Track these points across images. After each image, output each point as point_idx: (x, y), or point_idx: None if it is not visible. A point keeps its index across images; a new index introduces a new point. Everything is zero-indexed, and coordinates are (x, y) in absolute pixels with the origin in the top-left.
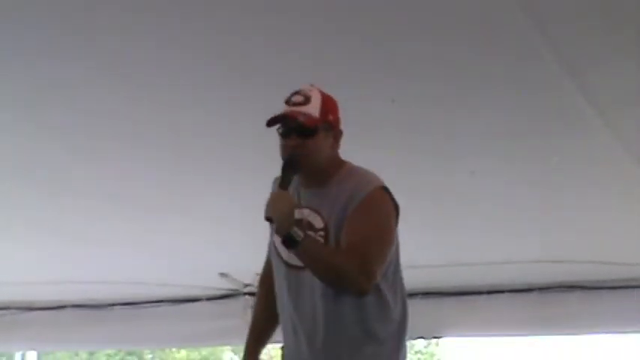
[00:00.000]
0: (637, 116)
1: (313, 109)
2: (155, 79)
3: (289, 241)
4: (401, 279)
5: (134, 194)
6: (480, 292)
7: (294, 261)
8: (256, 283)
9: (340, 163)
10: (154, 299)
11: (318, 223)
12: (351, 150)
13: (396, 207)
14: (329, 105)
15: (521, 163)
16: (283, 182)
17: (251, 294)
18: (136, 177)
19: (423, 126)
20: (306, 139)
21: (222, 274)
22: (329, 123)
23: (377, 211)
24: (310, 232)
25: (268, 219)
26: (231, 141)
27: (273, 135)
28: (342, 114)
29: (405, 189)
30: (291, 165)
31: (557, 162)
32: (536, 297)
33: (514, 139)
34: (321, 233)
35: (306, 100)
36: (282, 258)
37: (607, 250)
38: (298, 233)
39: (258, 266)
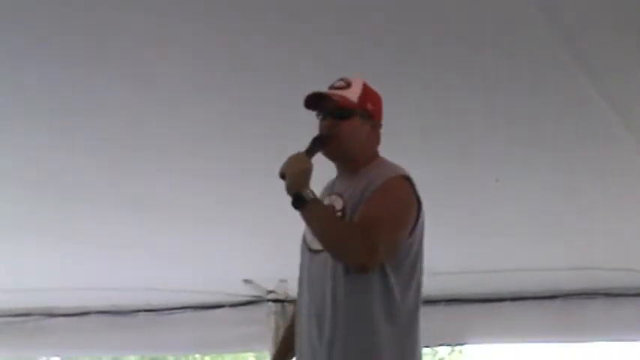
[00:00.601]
0: None
1: (352, 94)
2: (173, 81)
3: (298, 201)
4: (418, 280)
5: (159, 201)
6: (503, 299)
7: (316, 245)
8: (279, 290)
9: (374, 156)
10: (178, 306)
11: (339, 204)
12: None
13: (418, 200)
14: (370, 95)
15: (545, 170)
16: (308, 150)
17: (274, 300)
18: (161, 184)
19: (448, 133)
20: (341, 121)
21: (246, 281)
22: (367, 111)
23: (391, 195)
24: None
25: (282, 176)
26: (256, 148)
27: (299, 143)
28: None
29: (430, 195)
30: (320, 141)
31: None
32: (560, 304)
33: (538, 147)
34: (339, 214)
35: (347, 85)
36: (306, 243)
37: (631, 258)
38: (308, 194)
39: (282, 273)
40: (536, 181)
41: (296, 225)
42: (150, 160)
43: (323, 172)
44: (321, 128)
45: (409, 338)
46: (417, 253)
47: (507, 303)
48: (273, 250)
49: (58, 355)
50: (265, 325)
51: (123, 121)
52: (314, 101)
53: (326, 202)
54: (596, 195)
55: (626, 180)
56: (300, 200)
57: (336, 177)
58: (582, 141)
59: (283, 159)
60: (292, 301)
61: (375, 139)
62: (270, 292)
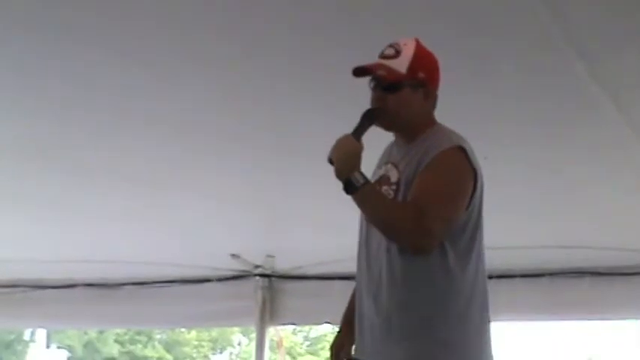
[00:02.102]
0: None
1: (400, 63)
2: (158, 53)
3: (348, 186)
4: (478, 250)
5: (147, 173)
6: (490, 277)
7: None
8: (267, 265)
9: (430, 123)
10: (165, 279)
11: (394, 176)
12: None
13: (475, 170)
14: (421, 61)
15: (533, 148)
16: (356, 130)
17: (262, 275)
18: (150, 156)
19: (437, 111)
20: (389, 94)
21: (234, 255)
22: (417, 80)
23: (445, 169)
24: (385, 187)
25: (330, 161)
26: (246, 121)
27: (290, 117)
28: None
29: None
30: (368, 116)
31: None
32: (546, 282)
33: (527, 124)
34: (394, 187)
35: (397, 53)
36: (364, 219)
37: (618, 236)
38: (358, 179)
39: (269, 248)
40: (525, 158)
41: (284, 200)
42: (137, 133)
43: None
44: (371, 101)
45: (470, 308)
46: (475, 223)
47: (494, 280)
48: (261, 225)
49: (44, 327)
50: (252, 299)
51: (109, 93)
52: (358, 71)
53: (382, 171)
54: (585, 173)
55: (614, 158)
56: (351, 186)
57: (394, 142)
58: (570, 118)
59: (273, 131)
60: (280, 277)
61: (430, 106)
62: (258, 266)
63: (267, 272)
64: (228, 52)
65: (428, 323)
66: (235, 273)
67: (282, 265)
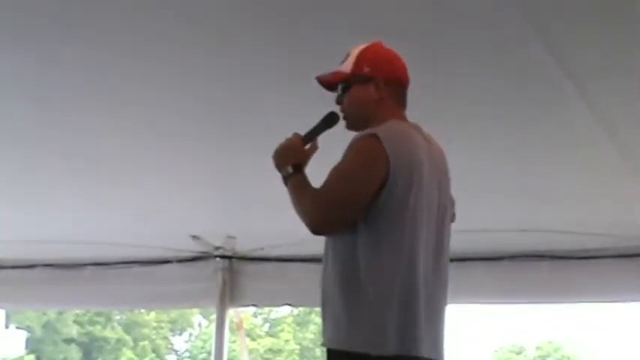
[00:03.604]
0: (610, 87)
1: (347, 65)
2: (124, 37)
3: (283, 179)
4: (408, 238)
5: (107, 154)
6: (450, 260)
7: None
8: (227, 246)
9: (385, 118)
10: (125, 260)
11: None
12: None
13: (388, 156)
14: (366, 57)
15: (495, 132)
16: (310, 131)
17: (222, 257)
18: (108, 136)
19: None
20: (343, 96)
21: (194, 237)
22: (363, 75)
23: (347, 154)
24: None
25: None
26: (207, 102)
27: (246, 98)
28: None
29: None
30: (326, 119)
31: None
32: (506, 265)
33: (490, 109)
34: None
35: (345, 57)
36: None
37: (577, 220)
38: (286, 170)
39: (229, 229)
40: (486, 143)
41: (245, 181)
42: (98, 113)
43: None
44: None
45: (383, 291)
46: (398, 209)
47: (455, 264)
48: (221, 206)
49: (3, 308)
50: (212, 281)
51: (71, 75)
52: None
53: None
54: (545, 158)
55: (574, 143)
56: (283, 177)
57: None
58: (532, 103)
59: (234, 111)
60: (240, 258)
61: (386, 97)
62: (218, 248)
63: (228, 254)
64: (189, 36)
65: (332, 300)
66: (196, 254)
67: (243, 247)
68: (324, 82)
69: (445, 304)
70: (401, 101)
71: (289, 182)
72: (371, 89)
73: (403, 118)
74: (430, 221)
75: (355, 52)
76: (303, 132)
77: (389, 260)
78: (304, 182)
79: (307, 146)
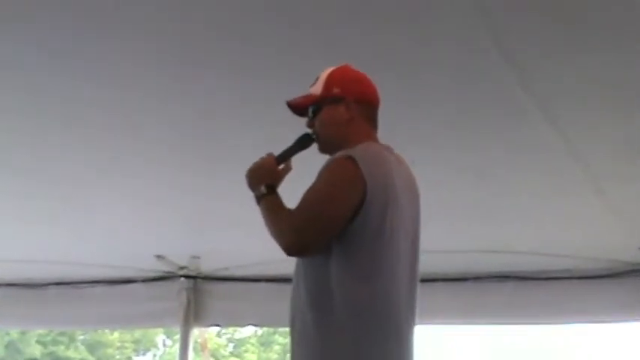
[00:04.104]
0: (575, 108)
1: (317, 88)
2: (92, 59)
3: (255, 198)
4: (385, 263)
5: (71, 173)
6: None
7: None
8: (192, 266)
9: (358, 142)
10: (89, 280)
11: None
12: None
13: (365, 180)
14: (336, 78)
15: (460, 152)
16: (284, 152)
17: (186, 277)
18: (74, 157)
19: None
20: (314, 119)
21: (159, 257)
22: (333, 95)
23: (322, 176)
24: None
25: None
26: (170, 124)
27: (210, 120)
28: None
29: None
30: (299, 140)
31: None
32: (470, 286)
33: (454, 129)
34: None
35: (315, 80)
36: None
37: (541, 241)
38: (260, 191)
39: (194, 249)
40: (450, 163)
41: (209, 201)
42: (61, 133)
43: None
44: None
45: (358, 324)
46: (374, 234)
47: (419, 285)
48: (186, 226)
49: None
50: (177, 301)
51: (35, 96)
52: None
53: None
54: (509, 179)
55: (539, 165)
56: (256, 197)
57: None
58: (496, 124)
59: (197, 132)
60: (205, 278)
61: (359, 117)
62: (183, 267)
63: (192, 273)
64: (156, 56)
65: (302, 323)
66: (160, 274)
67: (208, 267)
68: (295, 105)
69: (414, 326)
70: (372, 121)
71: (262, 202)
72: (341, 109)
73: (375, 139)
74: (406, 244)
75: (324, 74)
76: (276, 152)
77: (364, 285)
78: (278, 203)
79: (281, 166)
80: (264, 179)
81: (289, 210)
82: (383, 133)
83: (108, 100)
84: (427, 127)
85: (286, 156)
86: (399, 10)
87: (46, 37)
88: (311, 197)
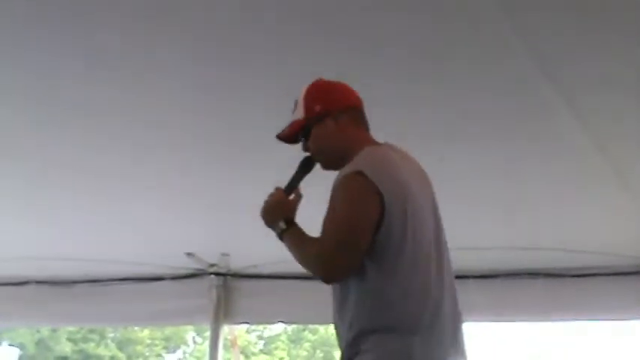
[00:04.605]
0: (601, 101)
1: (299, 111)
2: (106, 45)
3: (277, 235)
4: (411, 264)
5: (101, 171)
6: None
7: None
8: (222, 264)
9: (359, 146)
10: (119, 277)
11: None
12: None
13: (380, 191)
14: (313, 95)
15: (488, 151)
16: (290, 182)
17: (216, 274)
18: (102, 152)
19: (392, 112)
20: (307, 142)
21: (188, 254)
22: (317, 113)
23: (339, 197)
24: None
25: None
26: (199, 121)
27: (240, 116)
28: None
29: None
30: (302, 165)
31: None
32: (500, 283)
33: (480, 125)
34: None
35: (295, 105)
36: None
37: (571, 238)
38: (280, 226)
39: (224, 247)
40: (479, 160)
41: (239, 198)
42: (92, 126)
43: None
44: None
45: (402, 321)
46: (400, 240)
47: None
48: (216, 223)
49: None
50: (206, 298)
51: (71, 89)
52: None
53: None
54: (538, 175)
55: (567, 161)
56: (277, 234)
57: None
58: (525, 122)
59: (226, 127)
60: (234, 275)
61: (350, 126)
62: (213, 265)
63: (222, 271)
64: (184, 47)
65: (362, 340)
66: (190, 271)
67: (237, 264)
68: (285, 137)
69: (457, 311)
70: (362, 123)
71: (285, 237)
72: (330, 124)
73: (372, 141)
74: (429, 235)
75: (301, 97)
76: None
77: (402, 287)
78: (301, 235)
79: (291, 197)
80: (280, 215)
81: (314, 239)
82: (414, 130)
83: (135, 93)
84: (453, 124)
85: (293, 185)
86: (423, 5)
87: (52, 30)
88: (333, 222)
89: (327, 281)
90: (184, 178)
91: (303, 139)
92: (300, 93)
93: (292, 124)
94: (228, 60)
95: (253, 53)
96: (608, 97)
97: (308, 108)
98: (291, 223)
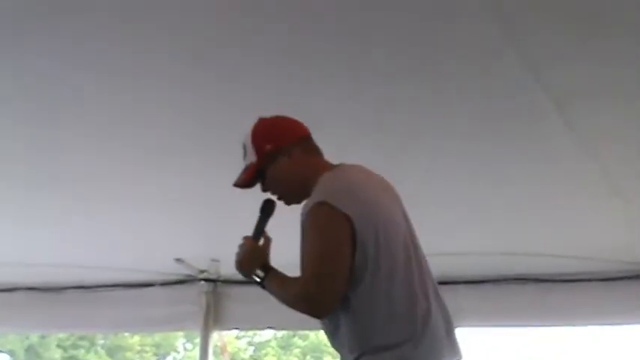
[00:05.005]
0: (592, 109)
1: (250, 155)
2: (99, 57)
3: (257, 284)
4: (383, 284)
5: (89, 177)
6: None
7: None
8: (211, 270)
9: (317, 174)
10: (108, 283)
11: None
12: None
13: (346, 214)
14: (259, 137)
15: (478, 155)
16: (255, 230)
17: (206, 280)
18: (93, 158)
19: (379, 124)
20: (264, 183)
21: (178, 260)
22: (267, 153)
23: (310, 232)
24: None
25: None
26: (185, 127)
27: (226, 124)
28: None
29: None
30: (263, 209)
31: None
32: (490, 289)
33: (471, 133)
34: None
35: (244, 150)
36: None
37: (561, 244)
38: (258, 275)
39: (214, 252)
40: (467, 166)
41: (229, 204)
42: (78, 134)
43: None
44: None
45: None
46: (375, 258)
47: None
48: (205, 229)
49: None
50: (196, 304)
51: (44, 98)
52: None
53: None
54: (526, 181)
55: (556, 166)
56: (257, 283)
57: None
58: (515, 126)
59: (217, 134)
60: (224, 281)
61: (302, 156)
62: (202, 271)
63: (212, 277)
64: (175, 49)
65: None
66: (180, 277)
67: (227, 270)
68: (242, 184)
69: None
70: (314, 151)
71: (266, 284)
72: (283, 160)
73: (329, 166)
74: (408, 248)
75: (249, 140)
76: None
77: (387, 304)
78: (282, 279)
79: (261, 242)
80: (255, 264)
81: (295, 280)
82: (398, 138)
83: (130, 97)
84: (445, 131)
85: (260, 229)
86: (412, 14)
87: (50, 34)
88: (310, 259)
89: (317, 317)
90: (174, 184)
91: (261, 181)
92: (247, 137)
93: (247, 170)
94: (222, 68)
95: (250, 61)
96: (597, 102)
97: (259, 149)
98: (268, 269)
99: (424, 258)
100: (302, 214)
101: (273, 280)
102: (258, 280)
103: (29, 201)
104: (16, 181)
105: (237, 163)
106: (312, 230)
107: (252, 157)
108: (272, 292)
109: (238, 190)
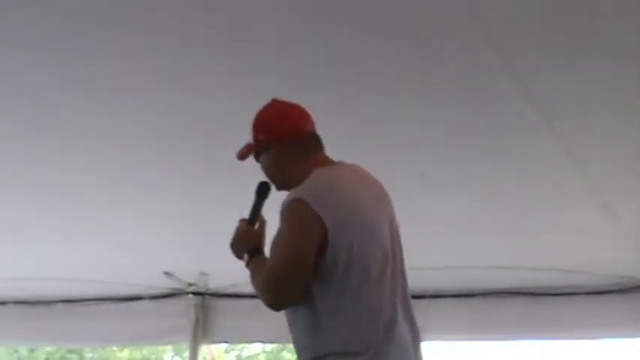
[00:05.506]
0: (579, 121)
1: (251, 136)
2: (89, 65)
3: (246, 266)
4: (351, 288)
5: (78, 190)
6: (422, 297)
7: None
8: (200, 283)
9: (307, 173)
10: (97, 297)
11: None
12: None
13: (320, 216)
14: (260, 125)
15: (465, 168)
16: (251, 213)
17: (195, 293)
18: (79, 171)
19: (372, 130)
20: (262, 167)
21: (167, 273)
22: (260, 143)
23: (282, 226)
24: None
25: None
26: (176, 140)
27: (217, 137)
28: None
29: None
30: (259, 192)
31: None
32: (478, 302)
33: (458, 145)
34: None
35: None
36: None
37: (550, 257)
38: (244, 259)
39: (202, 266)
40: (458, 180)
41: (217, 218)
42: (67, 147)
43: None
44: None
45: (350, 343)
46: (346, 263)
47: (426, 300)
48: (194, 243)
49: None
50: (185, 318)
51: (39, 107)
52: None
53: None
54: (516, 194)
55: (546, 180)
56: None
57: None
58: (504, 141)
59: (204, 147)
60: (213, 295)
61: (295, 154)
62: (191, 284)
63: (201, 290)
64: (158, 65)
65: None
66: (168, 291)
67: (216, 283)
68: (241, 156)
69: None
70: (311, 148)
71: (250, 268)
72: (273, 155)
73: (324, 162)
74: (385, 256)
75: (252, 122)
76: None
77: (351, 309)
78: (259, 264)
79: (256, 225)
80: (247, 245)
81: (264, 269)
82: (390, 149)
83: (114, 112)
84: (431, 143)
85: (255, 212)
86: (400, 24)
87: (45, 44)
88: (275, 251)
89: (273, 309)
90: (162, 197)
91: (256, 160)
92: (255, 115)
93: (246, 147)
94: (203, 82)
95: (229, 75)
96: (587, 118)
97: (255, 136)
98: (257, 251)
99: (403, 268)
100: (282, 204)
101: (253, 265)
102: (245, 263)
103: (17, 215)
104: (2, 197)
105: (225, 179)
106: (284, 223)
107: (251, 139)
108: (251, 278)
109: (226, 204)
